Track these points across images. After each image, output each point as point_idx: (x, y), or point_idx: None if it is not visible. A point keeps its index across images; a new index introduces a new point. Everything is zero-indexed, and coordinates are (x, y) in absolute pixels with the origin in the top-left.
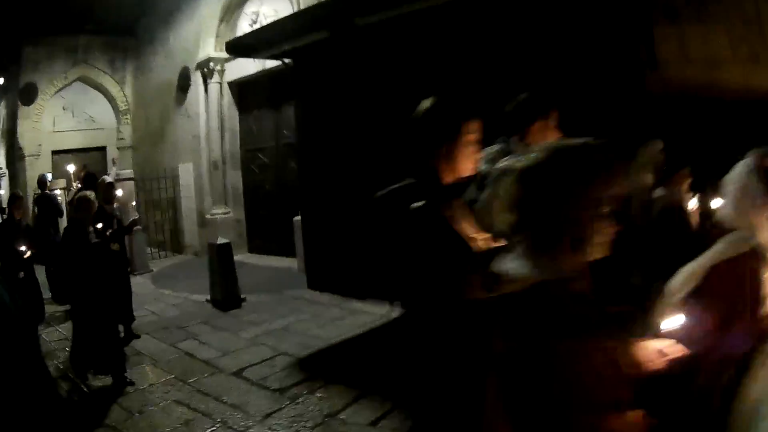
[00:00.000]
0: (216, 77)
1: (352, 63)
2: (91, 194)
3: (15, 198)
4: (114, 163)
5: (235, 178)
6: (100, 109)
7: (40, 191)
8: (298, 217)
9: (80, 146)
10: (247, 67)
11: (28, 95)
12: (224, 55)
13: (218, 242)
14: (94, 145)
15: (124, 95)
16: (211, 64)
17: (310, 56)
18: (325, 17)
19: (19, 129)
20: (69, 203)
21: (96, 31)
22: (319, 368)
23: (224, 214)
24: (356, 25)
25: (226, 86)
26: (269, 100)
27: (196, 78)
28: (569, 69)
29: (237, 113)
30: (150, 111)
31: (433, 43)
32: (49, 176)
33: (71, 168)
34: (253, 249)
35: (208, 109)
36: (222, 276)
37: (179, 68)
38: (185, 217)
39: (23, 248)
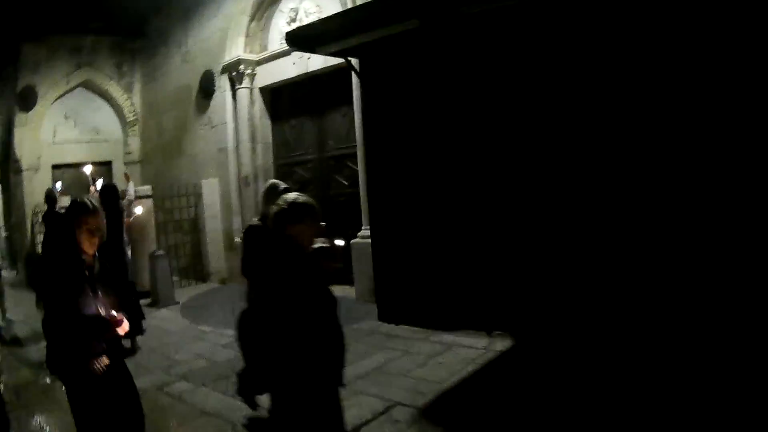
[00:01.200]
0: (246, 82)
1: (445, 59)
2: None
3: (80, 210)
4: (128, 178)
5: None
6: (104, 119)
7: (47, 208)
8: (358, 240)
9: (83, 160)
10: (283, 70)
11: (27, 100)
12: (255, 56)
13: None
14: (99, 160)
15: (132, 104)
16: (241, 67)
17: (385, 51)
18: (418, 4)
19: (16, 138)
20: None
21: (102, 31)
22: (454, 420)
23: None
24: (462, 13)
25: (257, 92)
26: (310, 107)
27: (222, 83)
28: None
29: (269, 122)
30: (163, 121)
31: (556, 39)
32: (59, 186)
33: (88, 169)
34: None
35: (237, 118)
36: None
37: (201, 72)
38: (210, 239)
39: (114, 314)
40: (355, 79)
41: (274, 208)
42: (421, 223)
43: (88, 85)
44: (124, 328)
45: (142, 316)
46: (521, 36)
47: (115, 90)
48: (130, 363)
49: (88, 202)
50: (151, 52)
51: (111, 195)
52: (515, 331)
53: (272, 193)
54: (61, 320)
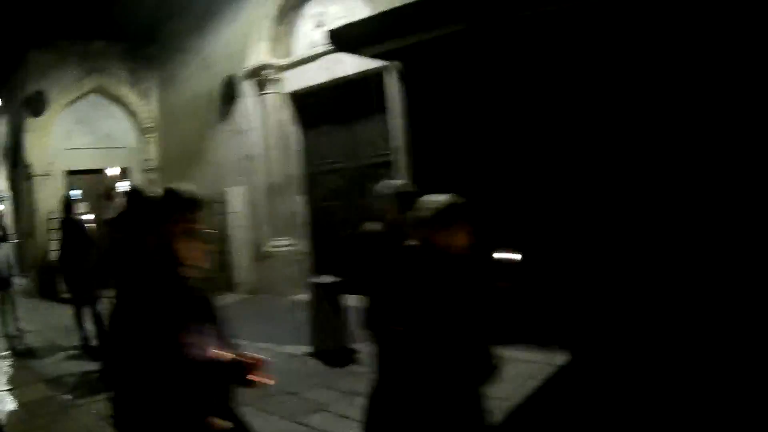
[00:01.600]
0: (272, 87)
1: (497, 62)
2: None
3: (181, 204)
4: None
5: (298, 204)
6: (119, 126)
7: (65, 213)
8: None
9: (99, 167)
10: (312, 75)
11: (37, 105)
12: (280, 61)
13: (323, 281)
14: (115, 167)
15: (149, 110)
16: (267, 72)
17: (433, 54)
18: (469, 5)
19: (27, 143)
20: (112, 222)
21: (113, 37)
22: None
23: (287, 246)
24: (516, 16)
25: (284, 97)
26: (341, 113)
27: (247, 88)
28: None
29: (297, 129)
30: (182, 128)
31: (617, 41)
32: (77, 193)
33: (115, 171)
34: None
35: (264, 124)
36: (331, 323)
37: (222, 78)
38: (236, 250)
39: (251, 355)
40: (392, 84)
41: (420, 213)
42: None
43: (101, 91)
44: (264, 375)
45: None
46: (579, 38)
47: (130, 96)
48: None
49: (191, 192)
50: (166, 58)
51: (137, 199)
52: (572, 345)
53: (403, 196)
54: (153, 368)
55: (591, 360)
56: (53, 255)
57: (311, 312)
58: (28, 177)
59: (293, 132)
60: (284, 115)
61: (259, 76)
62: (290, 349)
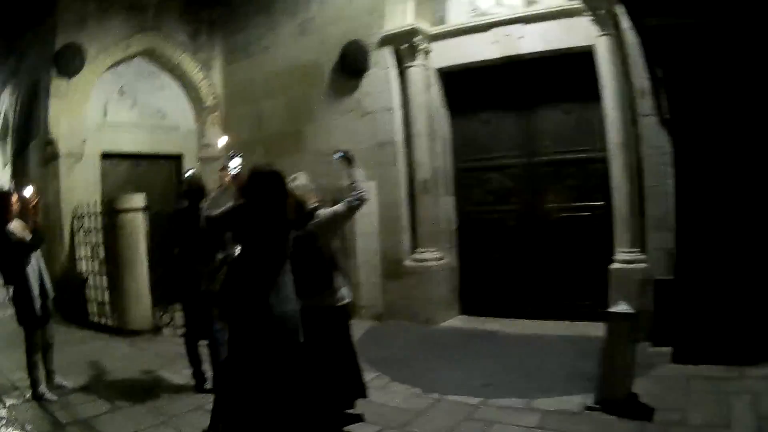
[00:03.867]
0: (420, 59)
1: None
2: None
3: None
4: (231, 153)
5: (447, 206)
6: (172, 101)
7: (189, 202)
8: (618, 265)
9: (146, 151)
10: (475, 49)
11: (69, 61)
12: (431, 28)
13: (624, 309)
14: (165, 152)
15: (211, 84)
16: (416, 39)
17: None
18: None
19: (52, 112)
20: (218, 222)
21: None
22: None
23: (435, 259)
24: None
25: (433, 73)
26: (514, 99)
27: (383, 58)
28: None
29: (446, 114)
30: (265, 108)
31: None
32: (191, 172)
33: (223, 141)
34: (472, 309)
35: (409, 105)
36: (624, 364)
37: (338, 44)
38: (362, 263)
39: None
40: (613, 66)
41: None
42: (745, 244)
43: (153, 55)
44: None
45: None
46: None
47: (189, 65)
48: None
49: None
50: (242, 23)
51: (271, 186)
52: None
53: None
54: None
55: None
56: (83, 264)
57: (605, 350)
58: (51, 158)
59: (442, 117)
60: (433, 96)
61: (406, 43)
62: (551, 402)
